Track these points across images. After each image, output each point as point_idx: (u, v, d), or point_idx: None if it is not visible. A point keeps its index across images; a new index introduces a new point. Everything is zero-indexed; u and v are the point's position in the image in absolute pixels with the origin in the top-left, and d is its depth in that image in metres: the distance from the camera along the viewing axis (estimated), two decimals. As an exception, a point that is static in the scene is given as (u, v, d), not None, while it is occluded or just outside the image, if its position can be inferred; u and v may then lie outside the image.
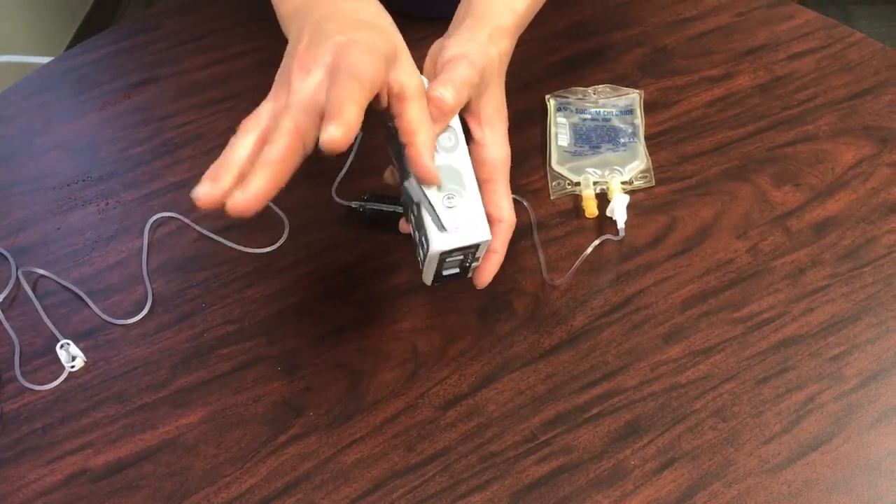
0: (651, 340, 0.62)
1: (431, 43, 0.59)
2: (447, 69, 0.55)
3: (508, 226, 0.58)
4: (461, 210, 0.53)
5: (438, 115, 0.54)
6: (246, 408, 0.60)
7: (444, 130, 0.55)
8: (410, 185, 0.52)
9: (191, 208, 0.72)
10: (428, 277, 0.57)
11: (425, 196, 0.52)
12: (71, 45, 2.05)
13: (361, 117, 0.47)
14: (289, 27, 0.55)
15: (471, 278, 0.59)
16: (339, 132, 0.45)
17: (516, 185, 0.71)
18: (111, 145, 0.78)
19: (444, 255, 0.54)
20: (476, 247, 0.55)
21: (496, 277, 0.65)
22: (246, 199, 0.45)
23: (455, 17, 0.61)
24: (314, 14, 0.53)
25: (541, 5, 0.64)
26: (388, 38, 0.52)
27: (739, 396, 0.59)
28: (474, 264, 0.58)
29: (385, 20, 0.55)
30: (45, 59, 1.37)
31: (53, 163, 0.77)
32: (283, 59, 0.52)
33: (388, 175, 0.62)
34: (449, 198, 0.53)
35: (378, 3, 0.56)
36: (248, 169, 0.47)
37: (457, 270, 0.57)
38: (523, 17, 0.61)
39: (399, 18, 0.79)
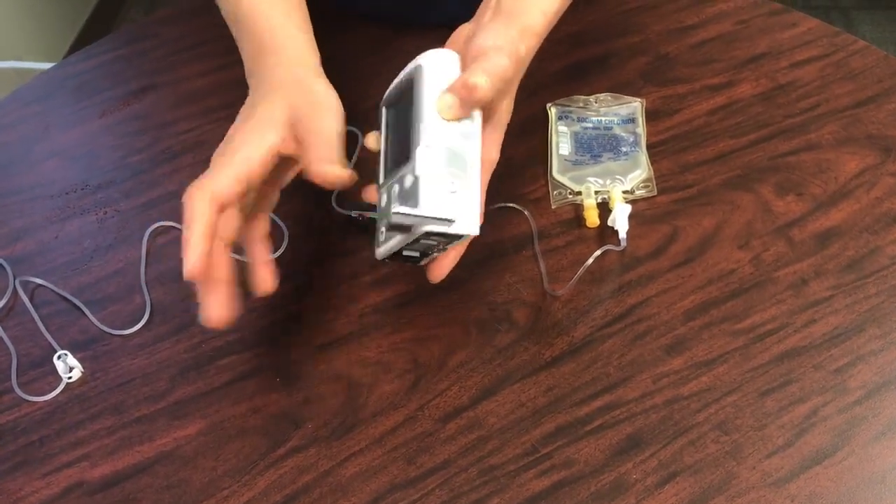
0: (653, 352, 0.61)
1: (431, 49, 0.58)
2: (484, 58, 0.52)
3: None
4: (459, 198, 0.51)
5: (467, 102, 0.52)
6: (244, 419, 0.60)
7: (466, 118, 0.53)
8: (423, 153, 0.50)
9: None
10: (383, 252, 0.55)
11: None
12: (71, 52, 2.05)
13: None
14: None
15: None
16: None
17: (517, 194, 0.71)
18: (110, 153, 0.78)
19: (424, 237, 0.52)
20: (458, 238, 0.53)
21: (497, 287, 0.65)
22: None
23: (480, 10, 0.59)
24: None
25: (564, 9, 0.63)
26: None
27: (742, 409, 0.58)
28: (434, 254, 0.56)
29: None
30: (44, 66, 1.37)
31: (52, 171, 0.77)
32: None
33: (373, 141, 0.58)
34: (451, 183, 0.51)
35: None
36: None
37: (416, 255, 0.55)
38: (550, 21, 0.59)
39: (396, 26, 0.79)
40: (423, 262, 0.57)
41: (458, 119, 0.52)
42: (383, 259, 0.56)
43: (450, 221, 0.50)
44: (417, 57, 0.55)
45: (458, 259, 0.57)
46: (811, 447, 0.56)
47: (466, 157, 0.52)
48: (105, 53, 0.87)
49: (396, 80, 0.57)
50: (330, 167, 0.54)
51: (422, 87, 0.52)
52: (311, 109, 0.56)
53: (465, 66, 0.54)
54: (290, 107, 0.56)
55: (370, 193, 0.57)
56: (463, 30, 0.58)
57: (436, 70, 0.53)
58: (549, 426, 0.58)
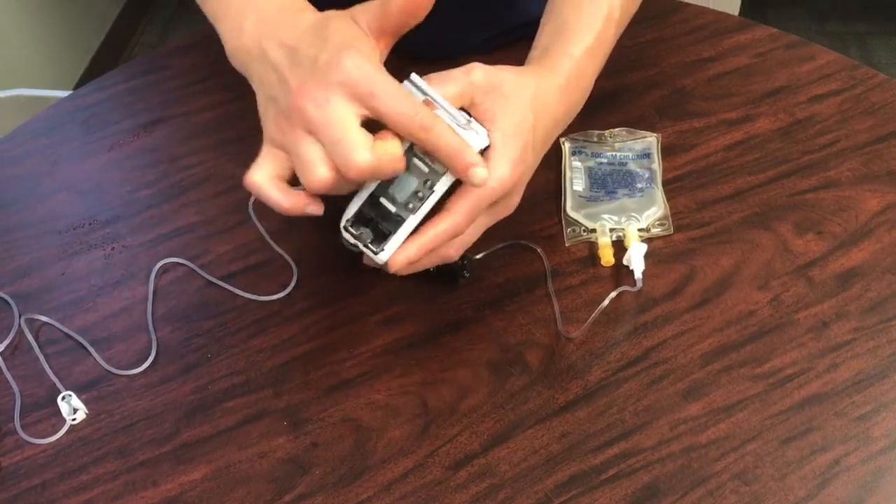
0: (670, 397, 0.60)
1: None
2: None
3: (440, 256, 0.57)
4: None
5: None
6: (251, 464, 0.58)
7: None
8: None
9: (197, 254, 0.70)
10: (352, 209, 0.55)
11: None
12: (83, 78, 2.05)
13: None
14: (247, 62, 0.56)
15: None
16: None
17: (529, 231, 0.70)
18: (118, 188, 0.77)
19: (412, 160, 0.53)
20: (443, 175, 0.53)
21: (509, 328, 0.64)
22: None
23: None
24: (276, 36, 0.53)
25: (608, 51, 0.64)
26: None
27: (762, 458, 0.56)
28: (406, 223, 0.54)
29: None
30: (56, 93, 1.37)
31: (60, 205, 0.76)
32: (268, 104, 0.53)
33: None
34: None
35: None
36: None
37: (392, 210, 0.54)
38: (580, 63, 0.60)
39: (410, 58, 0.78)
40: (381, 248, 0.55)
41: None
42: (343, 227, 0.56)
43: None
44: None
45: (421, 253, 0.55)
46: (834, 499, 0.54)
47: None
48: (115, 85, 0.87)
49: None
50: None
51: None
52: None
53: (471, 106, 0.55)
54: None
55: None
56: (474, 71, 0.57)
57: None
58: (562, 475, 0.56)
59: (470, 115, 0.55)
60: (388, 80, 0.51)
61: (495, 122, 0.55)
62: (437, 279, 0.66)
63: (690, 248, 0.68)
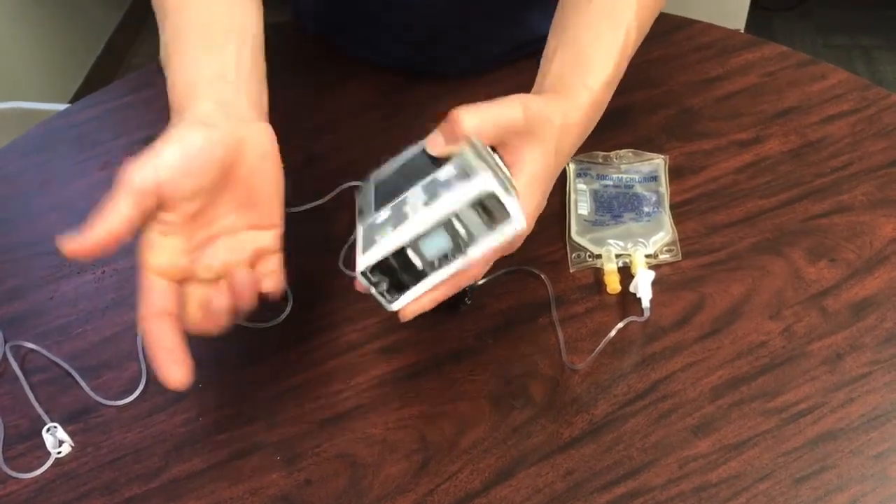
0: (679, 433, 0.57)
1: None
2: (494, 101, 0.52)
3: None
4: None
5: (449, 136, 0.51)
6: (242, 502, 0.56)
7: (453, 154, 0.51)
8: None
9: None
10: (373, 256, 0.50)
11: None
12: (81, 89, 2.04)
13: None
14: None
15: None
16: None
17: (533, 256, 0.68)
18: (110, 208, 0.75)
19: (450, 220, 0.49)
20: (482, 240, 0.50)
21: (511, 358, 0.62)
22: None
23: (535, 88, 0.60)
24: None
25: (622, 74, 0.62)
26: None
27: (775, 498, 0.54)
28: (427, 280, 0.51)
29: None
30: (52, 106, 1.36)
31: (51, 226, 0.74)
32: None
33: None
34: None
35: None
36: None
37: (418, 265, 0.51)
38: (596, 95, 0.58)
39: (411, 77, 0.76)
40: (395, 299, 0.53)
41: (445, 155, 0.51)
42: (363, 273, 0.51)
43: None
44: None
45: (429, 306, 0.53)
46: (851, 543, 0.52)
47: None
48: (108, 102, 0.85)
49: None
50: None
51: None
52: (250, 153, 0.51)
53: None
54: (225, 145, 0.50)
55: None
56: (517, 105, 0.55)
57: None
58: (567, 515, 0.54)
59: (507, 172, 0.53)
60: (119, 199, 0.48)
61: (524, 166, 0.54)
62: (438, 306, 0.63)
63: (699, 276, 0.66)
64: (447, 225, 0.50)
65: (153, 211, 0.49)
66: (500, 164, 0.53)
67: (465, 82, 0.81)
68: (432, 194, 0.50)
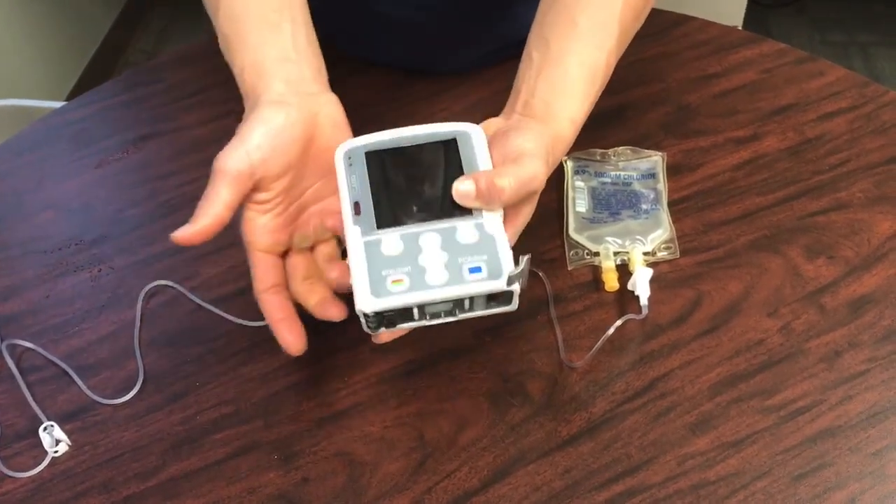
0: (677, 430, 0.57)
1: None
2: (518, 163, 0.52)
3: None
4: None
5: (484, 198, 0.51)
6: (240, 501, 0.56)
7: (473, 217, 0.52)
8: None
9: (187, 276, 0.68)
10: (379, 304, 0.49)
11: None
12: (77, 87, 2.03)
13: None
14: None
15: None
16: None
17: (532, 254, 0.67)
18: (106, 206, 0.75)
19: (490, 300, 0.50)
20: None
21: (510, 356, 0.62)
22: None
23: (508, 107, 0.59)
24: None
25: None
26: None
27: (773, 496, 0.54)
28: (420, 322, 0.51)
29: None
30: (48, 104, 1.35)
31: (45, 225, 0.74)
32: None
33: None
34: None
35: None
36: None
37: (415, 315, 0.51)
38: (577, 129, 0.59)
39: (410, 74, 0.76)
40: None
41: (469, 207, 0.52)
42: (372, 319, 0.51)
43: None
44: (449, 123, 0.55)
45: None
46: (850, 540, 0.52)
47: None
48: (104, 100, 0.85)
49: (409, 133, 0.55)
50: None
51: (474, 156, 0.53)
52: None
53: (495, 162, 0.53)
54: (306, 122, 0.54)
55: None
56: (491, 124, 0.57)
57: (478, 143, 0.53)
58: (565, 513, 0.54)
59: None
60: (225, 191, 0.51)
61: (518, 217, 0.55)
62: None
63: (697, 273, 0.66)
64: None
65: (250, 192, 0.52)
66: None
67: (461, 79, 0.81)
68: (454, 269, 0.49)
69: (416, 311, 0.50)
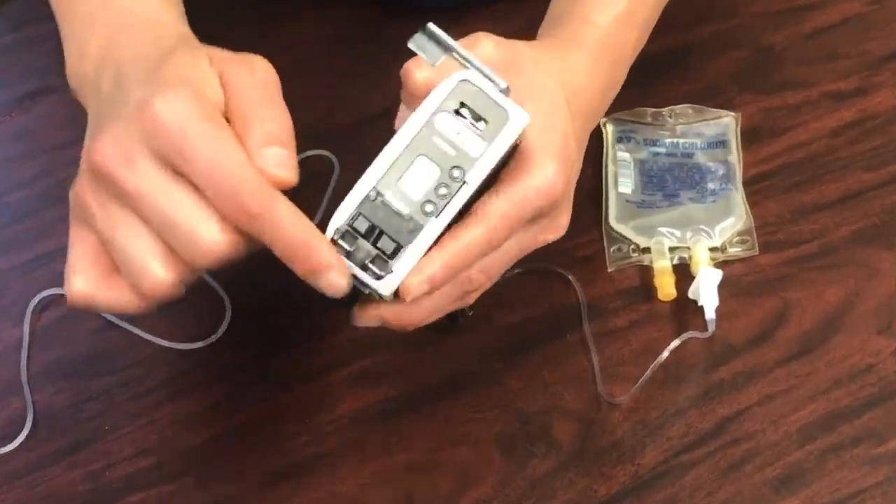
0: (756, 488, 0.58)
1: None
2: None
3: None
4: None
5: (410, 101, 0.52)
6: (163, 586, 0.56)
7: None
8: None
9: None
10: (343, 213, 0.49)
11: None
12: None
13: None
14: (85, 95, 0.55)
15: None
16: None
17: (558, 251, 0.67)
18: (-20, 188, 0.75)
19: (430, 140, 0.49)
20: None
21: (529, 389, 0.63)
22: None
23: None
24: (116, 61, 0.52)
25: (654, 9, 0.63)
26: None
27: (887, 577, 0.55)
28: (424, 230, 0.50)
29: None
30: None
31: None
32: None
33: None
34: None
35: None
36: None
37: (404, 212, 0.49)
38: (613, 31, 0.59)
39: (386, 9, 0.76)
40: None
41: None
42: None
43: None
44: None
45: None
46: None
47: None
48: (-19, 43, 0.85)
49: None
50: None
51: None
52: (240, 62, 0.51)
53: None
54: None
55: None
56: (481, 43, 0.55)
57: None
58: None
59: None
60: (210, 133, 0.46)
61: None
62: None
63: (783, 276, 0.67)
64: (429, 149, 0.49)
65: None
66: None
67: (444, 15, 0.81)
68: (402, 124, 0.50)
69: (400, 204, 0.49)
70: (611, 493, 0.58)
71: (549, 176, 0.52)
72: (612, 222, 0.69)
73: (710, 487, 0.58)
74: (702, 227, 0.68)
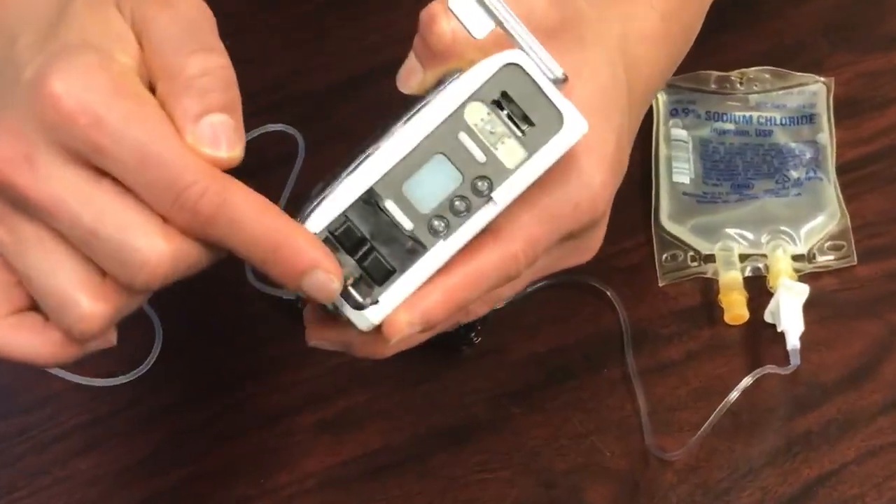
0: (854, 570, 0.59)
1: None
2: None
3: None
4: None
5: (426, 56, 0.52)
6: None
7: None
8: None
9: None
10: (326, 215, 0.49)
11: None
12: None
13: None
14: None
15: None
16: None
17: (594, 258, 0.68)
18: None
19: (454, 134, 0.48)
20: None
21: (557, 439, 0.63)
22: None
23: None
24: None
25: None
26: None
27: None
28: (428, 254, 0.49)
29: None
30: None
31: None
32: None
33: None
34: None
35: None
36: None
37: (406, 227, 0.49)
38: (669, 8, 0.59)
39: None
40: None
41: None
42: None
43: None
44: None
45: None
46: None
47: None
48: None
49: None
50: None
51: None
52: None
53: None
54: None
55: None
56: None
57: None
58: None
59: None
60: (128, 112, 0.46)
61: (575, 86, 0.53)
62: (424, 346, 0.64)
63: (889, 293, 0.67)
64: (450, 147, 0.48)
65: None
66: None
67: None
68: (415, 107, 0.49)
69: (401, 216, 0.48)
70: (662, 577, 0.59)
71: (593, 189, 0.51)
72: (665, 222, 0.69)
73: (794, 570, 0.59)
74: (782, 228, 0.68)
